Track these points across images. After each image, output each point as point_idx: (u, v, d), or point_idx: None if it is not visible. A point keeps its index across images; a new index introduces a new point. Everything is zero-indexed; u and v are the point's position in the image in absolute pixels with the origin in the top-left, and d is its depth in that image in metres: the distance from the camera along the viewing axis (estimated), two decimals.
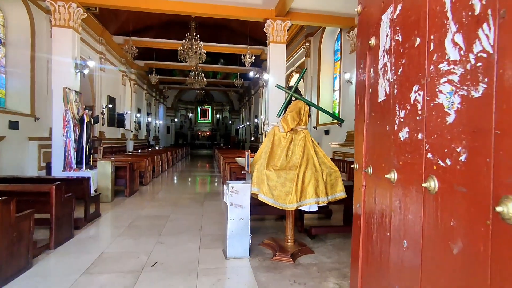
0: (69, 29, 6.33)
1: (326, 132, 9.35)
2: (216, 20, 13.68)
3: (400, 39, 1.33)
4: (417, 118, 1.15)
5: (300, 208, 3.42)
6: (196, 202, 6.51)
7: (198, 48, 11.27)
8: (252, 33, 13.69)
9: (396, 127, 1.36)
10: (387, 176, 1.38)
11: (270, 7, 7.12)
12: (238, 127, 31.88)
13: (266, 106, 7.24)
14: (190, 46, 11.15)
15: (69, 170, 5.94)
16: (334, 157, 8.34)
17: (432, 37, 1.05)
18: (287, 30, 7.21)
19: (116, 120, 14.60)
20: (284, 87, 4.12)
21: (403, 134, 1.28)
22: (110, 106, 13.17)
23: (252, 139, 21.89)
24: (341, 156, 7.96)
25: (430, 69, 1.06)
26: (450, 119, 0.94)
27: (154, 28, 14.78)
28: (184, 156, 21.74)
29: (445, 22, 0.97)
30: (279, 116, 3.78)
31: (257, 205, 3.87)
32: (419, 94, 1.14)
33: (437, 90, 1.02)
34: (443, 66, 0.98)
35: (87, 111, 6.26)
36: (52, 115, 6.42)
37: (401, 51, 1.32)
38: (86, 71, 7.24)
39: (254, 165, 3.68)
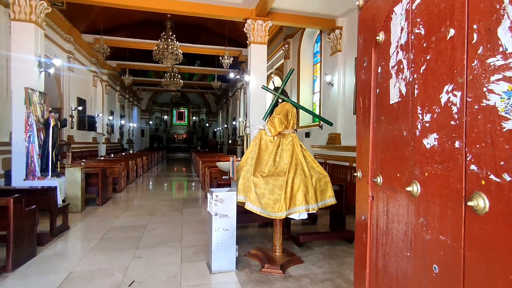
0: (31, 24, 5.78)
1: (307, 135, 9.29)
2: (193, 20, 13.32)
3: (423, 32, 1.16)
4: (452, 123, 0.98)
5: (290, 216, 3.23)
6: (174, 209, 6.16)
7: (175, 49, 10.86)
8: (230, 34, 13.46)
9: (418, 133, 1.19)
10: (408, 188, 1.20)
11: (250, 7, 6.94)
12: (216, 130, 31.45)
13: (247, 108, 7.03)
14: (166, 46, 10.72)
15: (32, 178, 5.39)
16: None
17: (475, 26, 0.89)
18: (267, 30, 7.05)
19: (87, 123, 13.80)
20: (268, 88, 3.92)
21: (430, 141, 1.11)
22: (80, 108, 12.40)
23: (230, 142, 21.59)
24: (323, 158, 7.91)
25: (473, 64, 0.89)
26: (508, 125, 0.77)
27: (127, 27, 14.15)
28: (160, 160, 21.03)
29: (498, 6, 0.80)
30: (265, 119, 3.58)
31: (241, 213, 3.63)
32: (455, 95, 0.98)
33: (485, 89, 0.85)
34: (495, 61, 0.81)
35: (53, 113, 5.74)
36: (12, 118, 5.83)
37: (424, 45, 1.15)
38: (51, 71, 6.68)
39: (239, 172, 3.45)
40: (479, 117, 0.87)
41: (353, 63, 6.85)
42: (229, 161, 7.40)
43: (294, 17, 7.24)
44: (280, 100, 3.57)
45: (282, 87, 3.56)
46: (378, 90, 1.58)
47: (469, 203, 0.86)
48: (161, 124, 35.31)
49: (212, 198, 3.21)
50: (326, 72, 7.58)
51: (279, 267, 3.24)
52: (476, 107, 0.88)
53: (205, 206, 6.64)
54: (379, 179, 1.52)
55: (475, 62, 0.88)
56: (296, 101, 10.20)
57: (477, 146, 0.87)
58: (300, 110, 3.62)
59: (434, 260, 1.07)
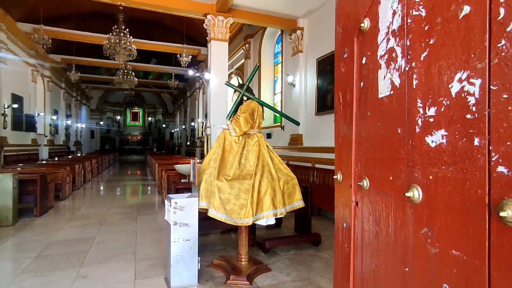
0: None
1: (269, 136, 9.19)
2: (148, 15, 12.61)
3: (424, 14, 1.01)
4: (468, 116, 0.83)
5: (256, 222, 3.01)
6: (127, 217, 5.62)
7: (128, 44, 10.09)
8: (188, 31, 12.96)
9: (418, 130, 1.03)
10: (407, 194, 1.04)
11: (211, 2, 6.63)
12: (173, 131, 30.32)
13: (208, 108, 6.70)
14: (118, 41, 9.91)
15: None
16: None
17: (501, 0, 0.73)
18: (228, 27, 6.79)
19: (25, 123, 12.33)
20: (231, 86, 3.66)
21: (435, 139, 0.95)
22: (15, 106, 11.00)
23: (189, 143, 20.89)
24: (285, 159, 7.84)
25: (499, 45, 0.74)
26: None
27: (74, 19, 12.95)
28: (112, 163, 19.62)
29: None
30: (229, 118, 3.32)
31: (202, 220, 3.32)
32: (471, 83, 0.82)
33: None
34: None
35: None
36: None
37: (426, 29, 1.00)
38: None
39: (201, 175, 3.14)
40: (509, 108, 0.71)
41: (315, 64, 6.87)
42: (188, 163, 7.01)
43: (256, 16, 7.08)
44: (245, 98, 3.34)
45: (247, 83, 3.33)
46: (362, 83, 1.42)
47: (501, 214, 0.71)
48: (113, 125, 33.19)
49: (170, 205, 2.87)
50: (287, 73, 7.54)
51: (245, 278, 3.00)
52: (506, 96, 0.73)
53: (162, 212, 6.17)
54: (365, 183, 1.36)
55: (503, 42, 0.73)
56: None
57: (508, 143, 0.72)
58: (265, 109, 3.41)
59: (444, 278, 0.91)
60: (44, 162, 10.82)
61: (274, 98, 9.97)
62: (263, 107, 3.38)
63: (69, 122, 19.80)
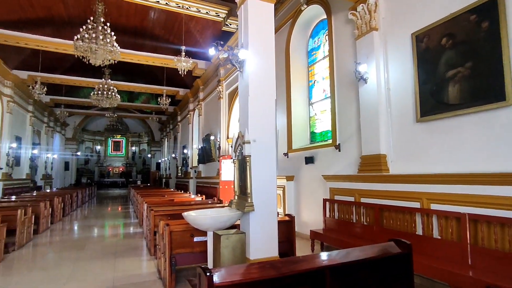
0: None
1: (309, 160, 6.40)
2: (134, 21, 10.15)
3: None
4: None
5: None
6: None
7: (108, 40, 7.41)
8: (185, 43, 10.52)
9: None
10: None
11: None
12: (160, 161, 27.12)
13: (243, 110, 3.90)
14: (94, 35, 7.22)
15: None
16: (334, 198, 5.38)
17: None
18: None
19: None
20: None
21: None
22: None
23: (180, 174, 17.77)
24: (351, 195, 5.03)
25: None
26: None
27: (44, 25, 10.26)
28: (87, 199, 16.17)
29: None
30: None
31: None
32: None
33: None
34: None
35: None
36: None
37: None
38: None
39: None
40: None
41: (408, 43, 4.35)
42: (201, 204, 4.05)
43: None
44: None
45: None
46: None
47: None
48: (92, 156, 29.66)
49: None
50: (359, 61, 4.94)
51: None
52: None
53: None
54: None
55: None
56: (286, 117, 7.38)
57: None
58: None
59: None
60: None
61: (310, 110, 7.33)
62: None
63: (35, 151, 16.43)
